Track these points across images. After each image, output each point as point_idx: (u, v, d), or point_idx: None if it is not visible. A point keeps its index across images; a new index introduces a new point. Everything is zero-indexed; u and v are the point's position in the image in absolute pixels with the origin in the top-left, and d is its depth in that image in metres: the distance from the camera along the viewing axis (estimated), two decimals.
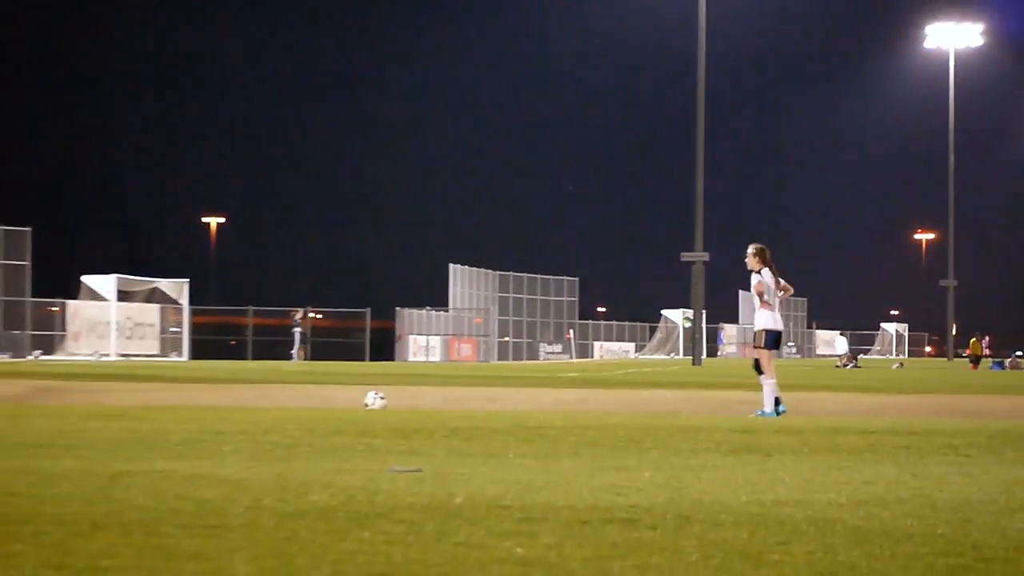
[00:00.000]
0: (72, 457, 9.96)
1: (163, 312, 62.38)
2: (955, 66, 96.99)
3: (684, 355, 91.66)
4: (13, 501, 7.34)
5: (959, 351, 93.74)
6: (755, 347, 18.20)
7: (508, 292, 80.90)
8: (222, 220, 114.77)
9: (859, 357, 67.98)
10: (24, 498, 7.47)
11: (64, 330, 57.58)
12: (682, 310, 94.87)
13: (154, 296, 62.27)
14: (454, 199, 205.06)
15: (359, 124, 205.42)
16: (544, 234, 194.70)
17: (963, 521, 6.95)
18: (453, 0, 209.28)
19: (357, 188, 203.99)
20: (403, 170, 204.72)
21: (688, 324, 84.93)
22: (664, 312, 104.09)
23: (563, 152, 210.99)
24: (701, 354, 64.68)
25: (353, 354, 66.58)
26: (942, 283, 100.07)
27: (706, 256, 63.09)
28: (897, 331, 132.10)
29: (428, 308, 73.19)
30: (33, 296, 56.48)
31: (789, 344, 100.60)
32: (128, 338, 59.29)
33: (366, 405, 18.38)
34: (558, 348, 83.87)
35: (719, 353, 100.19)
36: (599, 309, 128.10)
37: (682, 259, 64.30)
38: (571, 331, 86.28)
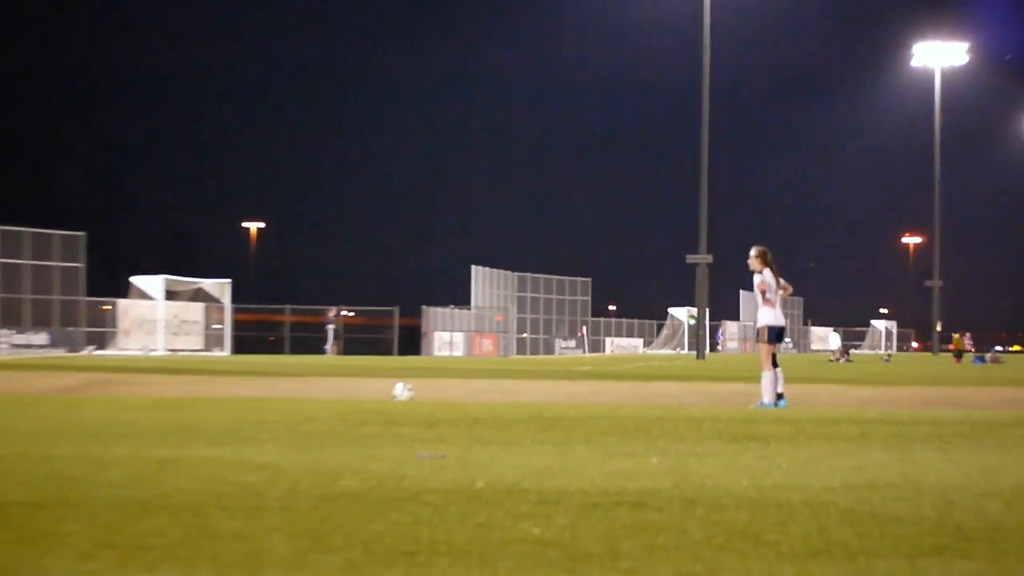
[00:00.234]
0: (123, 444, 9.98)
1: (207, 310, 62.54)
2: (941, 83, 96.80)
3: (689, 350, 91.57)
4: (69, 485, 7.36)
5: (943, 346, 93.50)
6: (758, 342, 18.17)
7: (526, 291, 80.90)
8: (262, 225, 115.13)
9: (851, 352, 67.76)
10: (78, 482, 7.49)
11: (115, 327, 57.76)
12: (687, 308, 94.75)
13: (199, 296, 62.46)
14: (477, 205, 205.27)
15: (389, 136, 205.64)
16: (559, 238, 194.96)
17: (947, 504, 6.94)
18: (486, 6, 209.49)
19: (385, 195, 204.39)
20: (429, 177, 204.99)
21: (693, 321, 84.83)
22: (670, 310, 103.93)
23: (575, 163, 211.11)
24: (705, 349, 64.54)
25: (382, 349, 66.63)
26: (928, 283, 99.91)
27: (710, 258, 63.00)
28: (886, 328, 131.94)
29: (452, 306, 73.17)
30: (87, 296, 56.68)
31: (786, 340, 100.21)
32: (175, 334, 59.46)
33: (394, 396, 18.33)
34: (572, 344, 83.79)
35: (718, 348, 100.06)
36: (610, 307, 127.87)
37: (687, 261, 64.25)
38: (584, 328, 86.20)
